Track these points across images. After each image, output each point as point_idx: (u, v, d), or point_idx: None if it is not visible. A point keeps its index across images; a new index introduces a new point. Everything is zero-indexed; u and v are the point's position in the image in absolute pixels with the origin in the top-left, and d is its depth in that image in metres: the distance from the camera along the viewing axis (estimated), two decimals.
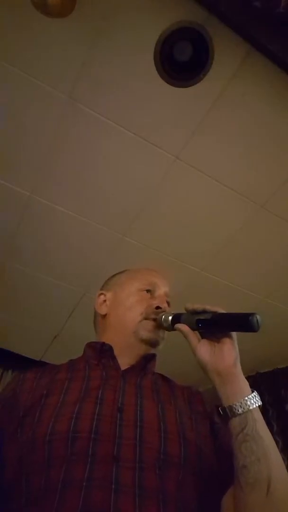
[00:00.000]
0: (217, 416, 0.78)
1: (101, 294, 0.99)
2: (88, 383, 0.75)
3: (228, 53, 1.23)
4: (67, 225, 1.80)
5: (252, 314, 0.65)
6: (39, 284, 2.12)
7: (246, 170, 1.58)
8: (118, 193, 1.67)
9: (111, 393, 0.72)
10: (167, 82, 1.30)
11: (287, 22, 1.09)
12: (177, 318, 0.77)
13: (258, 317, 0.65)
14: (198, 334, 0.74)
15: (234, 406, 0.64)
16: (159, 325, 0.83)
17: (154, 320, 0.85)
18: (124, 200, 1.70)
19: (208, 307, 0.72)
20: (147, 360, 0.85)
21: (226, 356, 0.68)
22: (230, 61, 1.25)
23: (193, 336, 0.73)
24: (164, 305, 0.88)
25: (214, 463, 0.70)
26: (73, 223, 1.79)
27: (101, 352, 0.84)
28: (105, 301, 0.97)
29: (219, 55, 1.23)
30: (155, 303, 0.88)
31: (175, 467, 0.63)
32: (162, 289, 0.94)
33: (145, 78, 1.29)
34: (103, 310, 0.96)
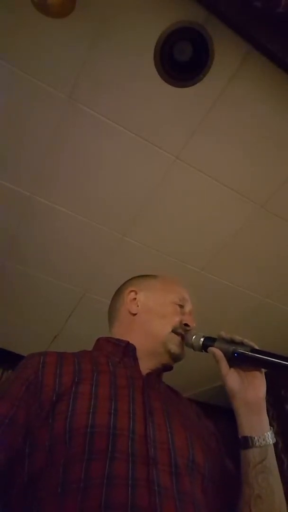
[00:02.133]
0: (220, 439, 0.83)
1: (132, 291, 0.97)
2: (115, 379, 0.74)
3: (228, 53, 1.23)
4: (67, 225, 1.80)
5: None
6: (39, 284, 2.12)
7: (246, 170, 1.57)
8: (118, 193, 1.67)
9: (139, 394, 0.72)
10: (167, 82, 1.30)
11: (287, 22, 1.09)
12: (209, 341, 0.80)
13: None
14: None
15: (257, 438, 0.68)
16: (185, 342, 0.85)
17: (182, 336, 0.87)
18: (124, 200, 1.70)
19: (246, 341, 0.75)
20: (165, 369, 0.87)
21: (257, 389, 0.72)
22: (230, 61, 1.25)
23: (225, 363, 0.74)
24: (193, 325, 0.90)
25: (223, 479, 0.73)
26: (73, 223, 1.79)
27: (125, 350, 0.83)
28: (135, 299, 0.95)
29: (219, 55, 1.23)
30: (185, 319, 0.90)
31: (200, 475, 0.66)
32: (190, 306, 0.96)
33: (145, 78, 1.29)
34: (133, 308, 0.93)
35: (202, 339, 0.81)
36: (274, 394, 2.52)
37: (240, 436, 0.70)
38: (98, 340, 0.92)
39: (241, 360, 0.74)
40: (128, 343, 0.84)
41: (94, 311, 2.24)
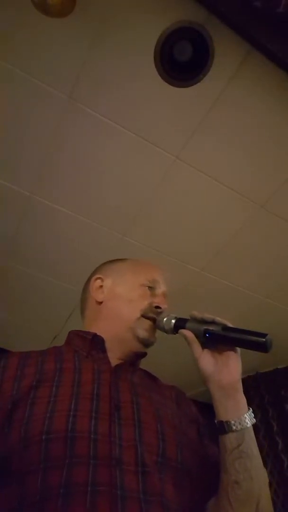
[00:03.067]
0: (202, 425, 0.79)
1: (98, 278, 0.92)
2: (80, 376, 0.70)
3: (228, 53, 1.23)
4: (67, 225, 1.80)
5: (266, 335, 0.65)
6: (39, 284, 2.12)
7: (246, 170, 1.57)
8: (118, 193, 1.67)
9: (106, 389, 0.68)
10: (167, 82, 1.29)
11: (287, 22, 1.09)
12: (181, 323, 0.75)
13: (270, 339, 0.66)
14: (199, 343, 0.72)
15: (233, 422, 0.64)
16: (157, 326, 0.81)
17: (153, 319, 0.82)
18: (124, 200, 1.70)
19: (218, 319, 0.70)
20: (138, 357, 0.82)
21: (232, 371, 0.68)
22: (230, 61, 1.25)
23: (197, 345, 0.71)
24: (164, 306, 0.85)
25: (202, 468, 0.70)
26: (73, 223, 1.79)
27: (92, 343, 0.79)
28: (101, 286, 0.90)
29: (219, 55, 1.23)
30: (156, 301, 0.84)
31: (173, 470, 0.63)
32: (162, 288, 0.90)
33: (145, 78, 1.29)
34: (99, 296, 0.88)
35: (173, 321, 0.77)
36: (274, 394, 2.52)
37: (216, 421, 0.67)
38: (68, 333, 0.87)
39: (213, 340, 0.70)
40: (95, 334, 0.80)
41: None
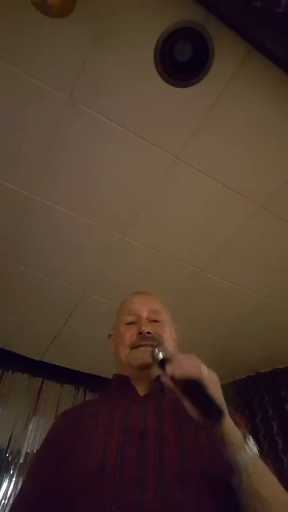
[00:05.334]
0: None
1: (110, 335, 1.07)
2: (113, 415, 0.80)
3: (228, 53, 1.23)
4: (67, 225, 1.80)
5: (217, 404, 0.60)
6: (39, 284, 2.12)
7: (246, 170, 1.58)
8: (118, 193, 1.67)
9: (134, 421, 0.76)
10: (167, 82, 1.30)
11: (287, 22, 1.09)
12: (165, 362, 0.69)
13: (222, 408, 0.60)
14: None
15: (230, 461, 0.61)
16: (152, 357, 0.77)
17: (142, 346, 0.89)
18: (124, 200, 1.70)
19: (204, 375, 0.64)
20: (159, 381, 0.86)
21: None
22: (230, 61, 1.25)
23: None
24: (142, 329, 0.92)
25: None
26: (73, 223, 1.79)
27: (120, 383, 0.91)
28: (113, 340, 1.03)
29: (219, 55, 1.23)
30: (137, 330, 0.93)
31: (193, 479, 0.65)
32: (143, 311, 0.97)
33: (145, 78, 1.29)
34: (111, 348, 1.03)
35: (161, 355, 0.72)
36: (274, 394, 2.52)
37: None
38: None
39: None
40: (121, 375, 0.93)
41: (94, 311, 2.25)
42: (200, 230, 1.82)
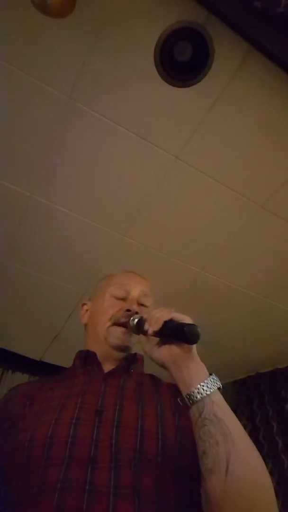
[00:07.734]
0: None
1: (84, 304, 1.02)
2: (71, 390, 0.77)
3: (228, 53, 1.23)
4: (67, 225, 1.80)
5: (188, 325, 0.64)
6: (39, 284, 2.12)
7: (246, 170, 1.57)
8: (118, 193, 1.67)
9: (92, 397, 0.73)
10: (167, 82, 1.30)
11: (287, 22, 1.09)
12: (142, 322, 0.75)
13: (195, 328, 0.63)
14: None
15: (192, 393, 0.62)
16: (131, 330, 0.81)
17: (124, 324, 0.84)
18: (124, 200, 1.70)
19: (175, 315, 0.69)
20: (129, 361, 0.85)
21: (182, 345, 0.67)
22: (230, 61, 1.25)
23: (149, 343, 0.72)
24: (133, 307, 0.87)
25: (195, 457, 0.66)
26: (73, 223, 1.79)
27: (86, 359, 0.86)
28: (87, 310, 0.99)
29: (219, 55, 1.23)
30: (125, 306, 0.88)
31: (151, 464, 0.62)
32: (136, 291, 0.93)
33: (145, 78, 1.29)
34: (84, 319, 0.98)
35: (136, 321, 0.77)
36: (274, 394, 2.52)
37: (178, 400, 0.65)
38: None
39: (161, 337, 0.70)
40: (87, 351, 0.88)
41: None
42: (200, 230, 1.82)
